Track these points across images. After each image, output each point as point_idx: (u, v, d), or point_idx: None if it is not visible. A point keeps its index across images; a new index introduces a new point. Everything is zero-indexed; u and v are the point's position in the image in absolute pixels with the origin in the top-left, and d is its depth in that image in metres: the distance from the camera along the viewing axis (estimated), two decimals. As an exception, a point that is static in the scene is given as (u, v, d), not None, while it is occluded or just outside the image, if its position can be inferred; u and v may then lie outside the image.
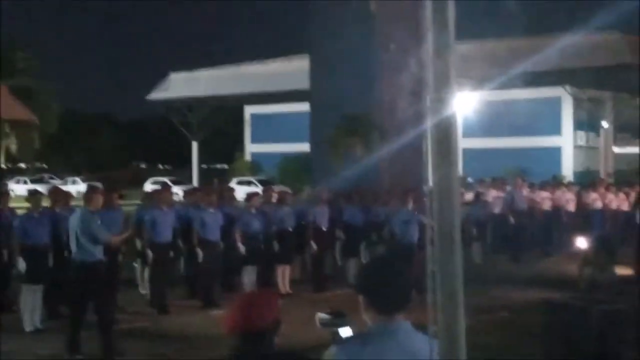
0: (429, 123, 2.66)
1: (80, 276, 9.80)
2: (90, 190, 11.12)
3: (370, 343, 3.20)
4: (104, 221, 10.73)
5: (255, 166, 55.85)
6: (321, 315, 3.51)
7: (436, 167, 2.67)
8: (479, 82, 42.76)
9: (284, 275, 14.50)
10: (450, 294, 2.68)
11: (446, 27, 2.65)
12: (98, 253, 9.92)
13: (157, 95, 55.69)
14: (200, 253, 13.23)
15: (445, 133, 2.66)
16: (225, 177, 50.76)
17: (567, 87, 45.20)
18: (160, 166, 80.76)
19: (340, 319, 3.49)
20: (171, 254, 13.50)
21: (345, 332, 3.43)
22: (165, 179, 48.65)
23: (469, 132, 50.81)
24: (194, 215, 13.56)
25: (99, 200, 10.34)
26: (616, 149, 48.97)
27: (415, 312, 3.26)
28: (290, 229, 14.75)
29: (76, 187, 49.41)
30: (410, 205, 14.61)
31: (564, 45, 35.06)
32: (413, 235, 14.13)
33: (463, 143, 50.78)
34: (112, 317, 10.11)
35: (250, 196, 14.62)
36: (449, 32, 2.65)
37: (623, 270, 16.02)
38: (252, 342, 3.20)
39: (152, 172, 65.31)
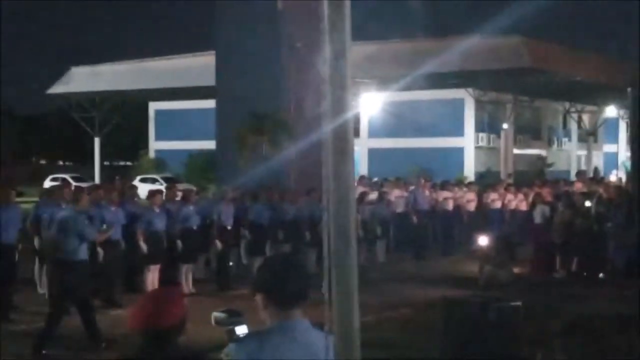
0: (327, 122, 2.68)
1: (65, 274, 10.07)
2: (78, 190, 11.79)
3: (268, 340, 3.20)
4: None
5: (160, 163, 55.05)
6: (216, 314, 3.50)
7: (333, 166, 2.68)
8: (384, 82, 43.29)
9: (187, 275, 14.35)
10: (345, 292, 2.69)
11: (343, 27, 2.67)
12: (83, 252, 10.37)
13: (57, 89, 54.27)
14: (100, 252, 12.96)
15: (342, 132, 2.68)
16: (128, 174, 49.91)
17: (470, 89, 46.24)
18: (61, 163, 78.71)
19: (236, 317, 3.48)
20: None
21: (242, 330, 3.43)
22: (66, 176, 47.47)
23: (374, 132, 51.43)
24: (95, 213, 13.21)
25: (86, 199, 11.01)
26: (516, 150, 50.34)
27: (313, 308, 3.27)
28: (194, 228, 14.61)
29: (-28, 183, 47.69)
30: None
31: (466, 48, 35.83)
32: None
33: (369, 143, 51.56)
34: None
35: (152, 194, 14.38)
36: (346, 32, 2.67)
37: (520, 269, 16.53)
38: (156, 340, 3.15)
39: (52, 169, 63.55)
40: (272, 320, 3.23)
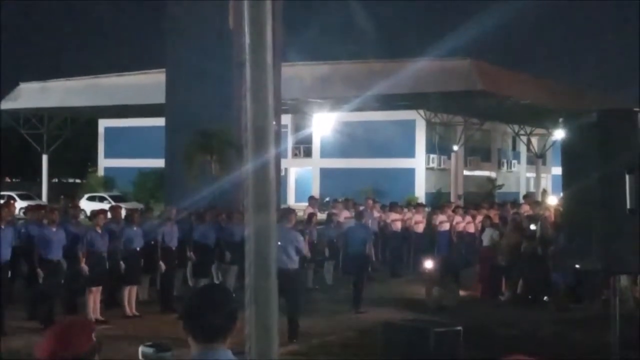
0: (247, 156, 2.55)
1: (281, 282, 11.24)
2: (286, 211, 13.35)
3: (191, 373, 3.14)
4: None
5: (109, 181, 54.35)
6: (144, 349, 3.45)
7: (253, 197, 2.57)
8: (336, 103, 43.44)
9: (130, 296, 14.07)
10: (264, 327, 2.59)
11: (264, 31, 2.38)
12: (296, 262, 12.23)
13: (5, 105, 53.46)
14: (41, 273, 12.65)
15: (263, 154, 2.51)
16: (77, 192, 49.15)
17: (421, 111, 46.59)
18: (9, 179, 77.23)
19: (163, 352, 3.43)
20: (9, 273, 12.87)
21: None
22: (12, 193, 46.54)
23: (326, 152, 51.52)
24: (35, 233, 12.97)
25: (294, 219, 12.89)
26: (466, 172, 50.82)
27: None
28: (138, 249, 14.34)
29: None
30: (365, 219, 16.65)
31: (418, 70, 36.16)
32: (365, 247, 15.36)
33: (320, 163, 51.63)
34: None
35: (95, 214, 14.11)
36: (267, 35, 2.40)
37: (467, 291, 16.58)
38: None
39: (-1, 186, 62.36)
40: (194, 350, 3.18)
